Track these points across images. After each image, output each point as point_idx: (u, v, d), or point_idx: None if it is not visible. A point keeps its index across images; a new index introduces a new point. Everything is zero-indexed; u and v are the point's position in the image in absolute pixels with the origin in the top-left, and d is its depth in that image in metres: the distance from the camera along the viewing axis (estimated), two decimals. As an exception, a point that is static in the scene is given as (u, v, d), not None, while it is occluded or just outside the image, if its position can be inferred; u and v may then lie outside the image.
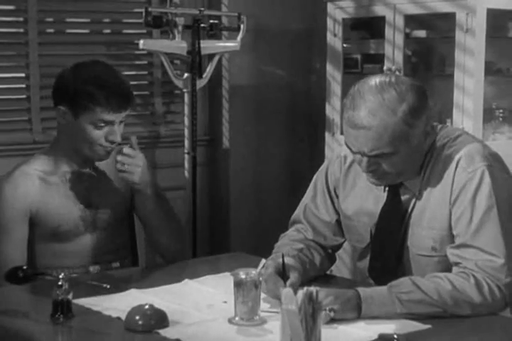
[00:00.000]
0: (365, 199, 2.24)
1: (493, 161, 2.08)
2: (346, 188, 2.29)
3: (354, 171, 2.26)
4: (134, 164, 2.42)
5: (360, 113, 1.96)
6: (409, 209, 2.15)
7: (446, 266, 2.08)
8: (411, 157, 2.06)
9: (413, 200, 2.14)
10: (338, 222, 2.33)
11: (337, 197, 2.32)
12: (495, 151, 2.14)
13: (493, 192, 2.02)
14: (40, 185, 2.50)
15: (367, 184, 2.20)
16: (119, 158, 2.41)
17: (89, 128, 2.44)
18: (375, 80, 2.00)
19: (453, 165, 2.07)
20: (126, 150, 2.42)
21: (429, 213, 2.11)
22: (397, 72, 3.79)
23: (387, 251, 2.19)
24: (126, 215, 2.67)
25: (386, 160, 2.02)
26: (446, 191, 2.07)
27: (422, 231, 2.12)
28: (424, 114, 2.01)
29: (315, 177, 2.39)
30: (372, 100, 1.96)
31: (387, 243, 2.19)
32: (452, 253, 2.06)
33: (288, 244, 2.30)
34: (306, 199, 2.38)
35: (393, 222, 2.17)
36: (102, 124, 2.43)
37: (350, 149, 2.05)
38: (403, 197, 2.16)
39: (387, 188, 2.18)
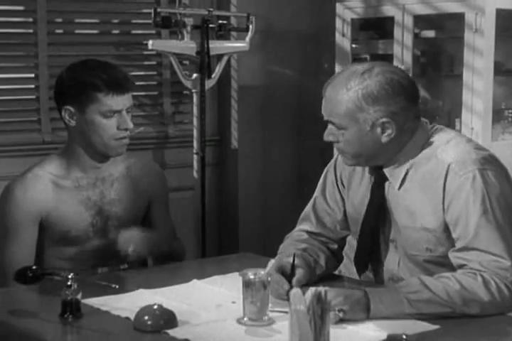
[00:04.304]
0: (365, 192, 2.26)
1: (486, 164, 2.08)
2: (353, 181, 2.31)
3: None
4: None
5: (329, 84, 2.14)
6: (392, 205, 2.18)
7: (441, 265, 2.11)
8: (362, 141, 2.11)
9: (395, 195, 2.17)
10: (345, 214, 2.36)
11: (345, 188, 2.35)
12: (489, 153, 2.14)
13: (486, 195, 2.03)
14: (53, 189, 2.50)
15: (368, 178, 2.24)
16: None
17: (98, 119, 2.45)
18: (362, 65, 2.13)
19: (444, 169, 2.08)
20: None
21: (419, 215, 2.13)
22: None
23: (364, 241, 2.26)
24: (138, 222, 2.66)
25: (340, 135, 2.13)
26: (438, 194, 2.09)
27: (416, 233, 2.14)
28: (380, 105, 2.07)
29: (325, 170, 2.42)
30: (341, 77, 2.12)
31: (364, 233, 2.25)
32: (455, 256, 2.06)
33: (292, 244, 2.31)
34: (317, 192, 2.41)
35: (372, 213, 2.23)
36: (110, 113, 2.45)
37: None
38: (387, 192, 2.19)
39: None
